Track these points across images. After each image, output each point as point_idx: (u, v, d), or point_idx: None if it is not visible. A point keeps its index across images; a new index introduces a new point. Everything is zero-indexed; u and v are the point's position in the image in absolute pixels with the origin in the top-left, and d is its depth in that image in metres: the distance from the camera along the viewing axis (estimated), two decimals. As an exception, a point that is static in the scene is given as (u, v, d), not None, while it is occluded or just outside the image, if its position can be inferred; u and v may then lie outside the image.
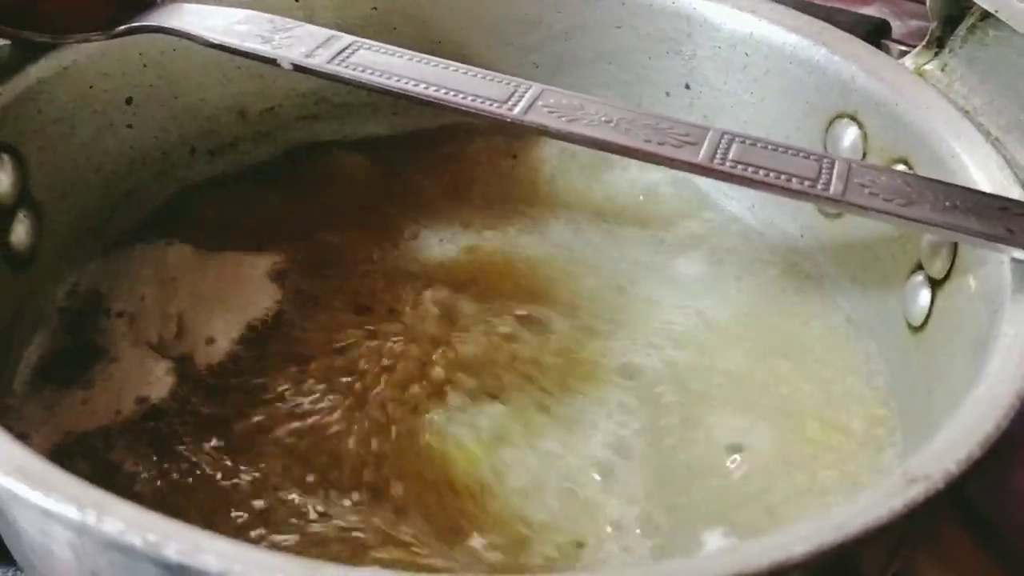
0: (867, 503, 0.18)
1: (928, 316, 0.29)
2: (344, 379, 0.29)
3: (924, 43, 0.33)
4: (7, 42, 0.31)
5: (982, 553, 0.31)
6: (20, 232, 0.30)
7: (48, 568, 0.21)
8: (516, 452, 0.27)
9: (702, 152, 0.27)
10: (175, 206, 0.36)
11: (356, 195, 0.37)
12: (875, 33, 0.41)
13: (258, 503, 0.25)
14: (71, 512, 0.17)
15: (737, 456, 0.28)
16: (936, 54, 0.33)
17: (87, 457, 0.27)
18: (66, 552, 0.20)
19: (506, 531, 0.25)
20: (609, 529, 0.26)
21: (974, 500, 0.31)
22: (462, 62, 0.29)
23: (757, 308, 0.33)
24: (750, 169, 0.26)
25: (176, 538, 0.17)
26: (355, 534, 0.25)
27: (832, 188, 0.26)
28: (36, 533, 0.20)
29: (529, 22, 0.38)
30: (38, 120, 0.31)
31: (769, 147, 0.27)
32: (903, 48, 0.36)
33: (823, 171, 0.26)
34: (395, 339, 0.30)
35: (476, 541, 0.25)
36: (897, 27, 0.44)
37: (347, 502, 0.26)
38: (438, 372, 0.29)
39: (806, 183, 0.26)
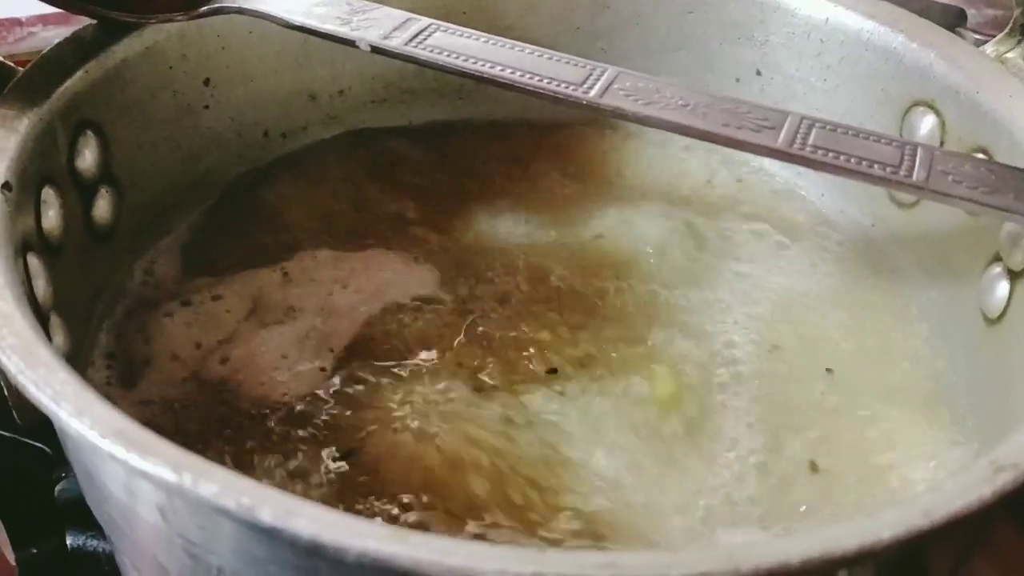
0: (956, 490, 0.18)
1: (1006, 309, 0.29)
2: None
3: (1007, 31, 0.33)
4: (93, 22, 0.31)
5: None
6: (102, 207, 0.31)
7: (135, 531, 0.22)
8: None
9: (781, 137, 0.26)
10: (248, 187, 0.36)
11: (421, 180, 0.37)
12: (950, 21, 0.40)
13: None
14: (167, 474, 0.18)
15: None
16: (1019, 42, 0.32)
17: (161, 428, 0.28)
18: (154, 515, 0.20)
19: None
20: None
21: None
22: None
23: (826, 299, 0.33)
24: (831, 154, 0.26)
25: (269, 502, 0.17)
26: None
27: (915, 175, 0.25)
28: (124, 495, 0.21)
29: (598, 7, 0.38)
30: (120, 99, 0.32)
31: (850, 132, 0.27)
32: (978, 37, 0.36)
33: (905, 157, 0.26)
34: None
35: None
36: (973, 15, 0.43)
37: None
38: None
39: (888, 169, 0.26)
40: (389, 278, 0.32)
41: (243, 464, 0.26)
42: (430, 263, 0.33)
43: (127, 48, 0.32)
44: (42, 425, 0.27)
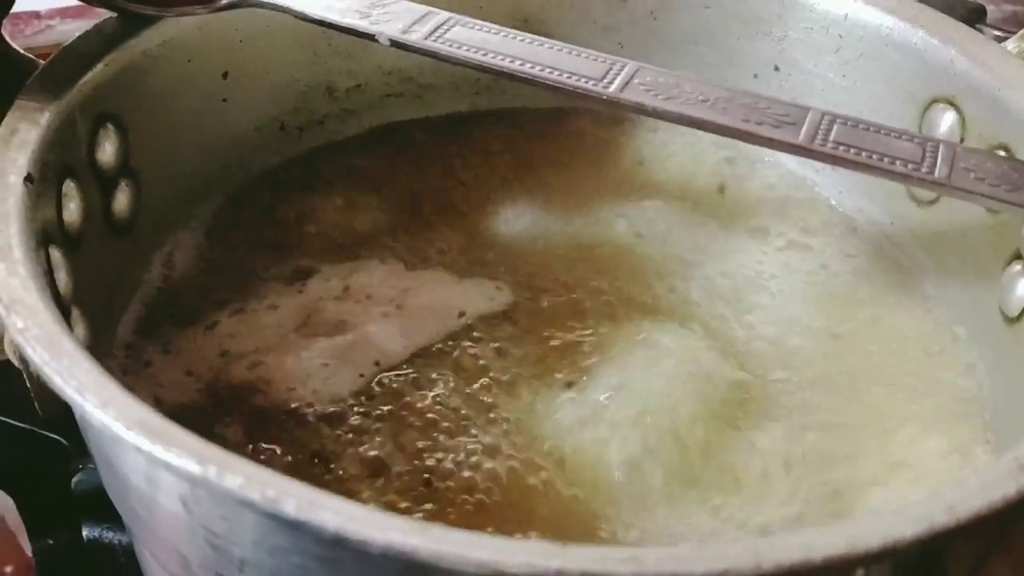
0: (979, 487, 0.18)
1: (1027, 307, 0.28)
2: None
3: (1029, 27, 0.32)
4: (114, 15, 0.31)
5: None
6: (122, 200, 0.31)
7: (157, 522, 0.22)
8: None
9: (803, 133, 0.26)
10: (267, 181, 0.36)
11: (438, 173, 0.37)
12: (970, 17, 0.40)
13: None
14: (192, 466, 0.18)
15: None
16: (1041, 38, 0.32)
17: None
18: (176, 505, 0.20)
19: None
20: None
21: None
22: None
23: (844, 295, 0.33)
24: (852, 151, 0.26)
25: (294, 495, 0.17)
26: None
27: (937, 171, 0.25)
28: (147, 486, 0.21)
29: (615, 1, 0.38)
30: (140, 91, 0.32)
31: (871, 128, 0.27)
32: (998, 33, 0.36)
33: (927, 154, 0.26)
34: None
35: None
36: (992, 12, 0.43)
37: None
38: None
39: (910, 166, 0.26)
40: (409, 286, 0.32)
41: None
42: (466, 272, 0.33)
43: (147, 41, 0.32)
44: (60, 417, 0.28)
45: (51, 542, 0.32)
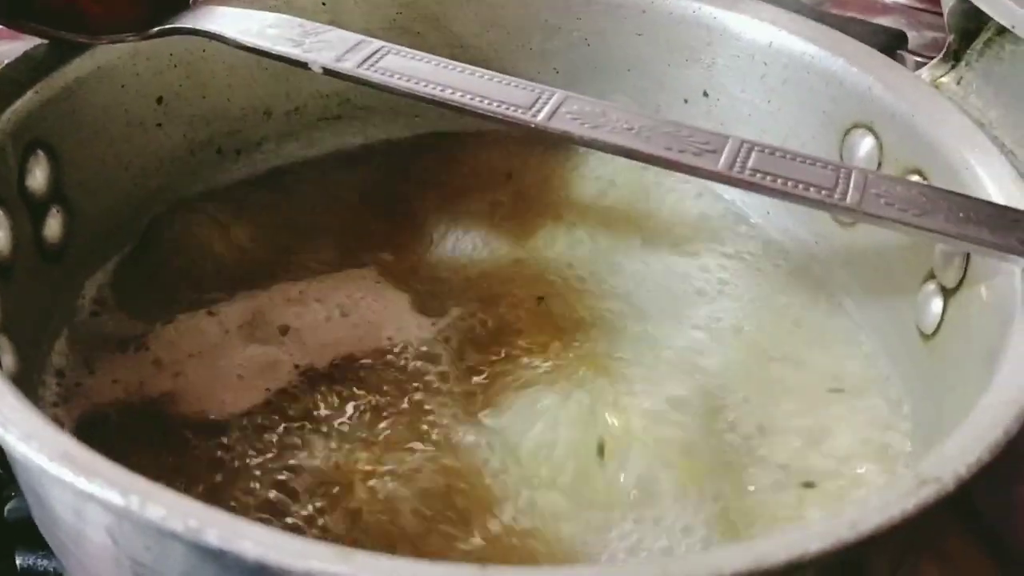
0: (880, 503, 0.19)
1: (940, 325, 0.30)
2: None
3: (941, 56, 0.34)
4: (44, 42, 0.31)
5: (989, 565, 0.31)
6: (53, 226, 0.31)
7: (84, 553, 0.22)
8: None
9: (722, 160, 0.27)
10: (201, 205, 0.36)
11: (377, 197, 0.38)
12: (892, 43, 0.41)
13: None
14: (115, 497, 0.18)
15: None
16: (952, 67, 0.34)
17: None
18: (102, 536, 0.20)
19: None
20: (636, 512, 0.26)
21: (982, 512, 0.31)
22: (484, 67, 0.30)
23: (769, 314, 0.34)
24: (768, 178, 0.27)
25: (216, 524, 0.17)
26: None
27: (849, 198, 0.26)
28: (73, 518, 0.21)
29: (550, 28, 0.39)
30: (72, 118, 0.32)
31: (787, 156, 0.28)
32: (919, 59, 0.37)
33: (840, 181, 0.27)
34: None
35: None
36: (913, 38, 0.45)
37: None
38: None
39: (823, 192, 0.27)
40: (347, 303, 0.32)
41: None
42: (398, 289, 0.33)
43: (78, 68, 0.32)
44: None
45: (-17, 571, 0.32)
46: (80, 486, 0.18)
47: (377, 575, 0.17)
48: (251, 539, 0.17)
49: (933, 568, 0.31)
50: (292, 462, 0.27)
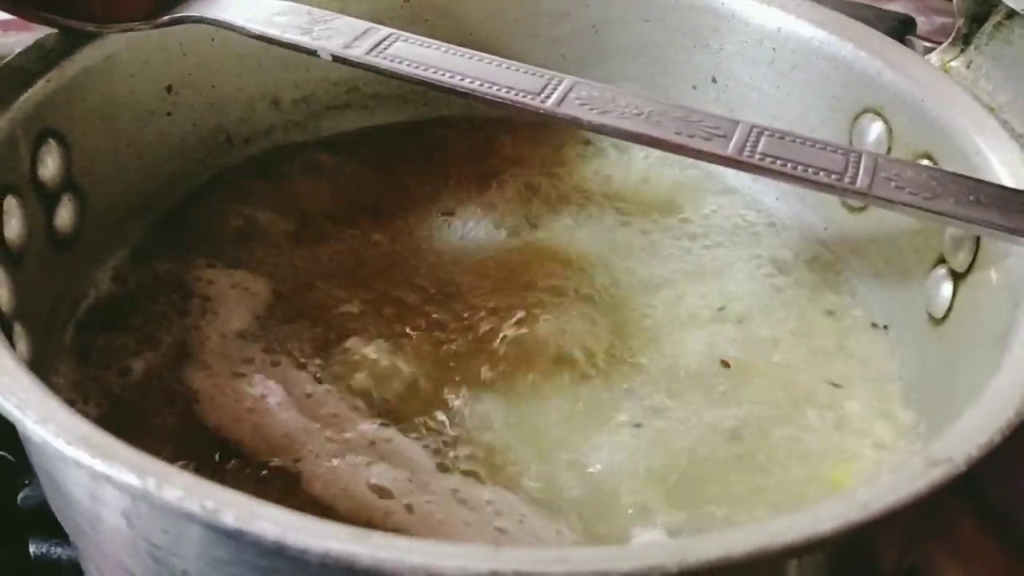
0: (892, 484, 0.19)
1: (950, 309, 0.30)
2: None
3: (950, 40, 0.34)
4: (54, 31, 0.31)
5: (998, 547, 0.31)
6: (64, 215, 0.31)
7: (100, 536, 0.22)
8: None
9: (731, 145, 0.27)
10: (212, 192, 0.37)
11: (384, 184, 0.38)
12: (900, 29, 0.41)
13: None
14: (132, 479, 0.18)
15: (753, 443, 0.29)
16: (962, 51, 0.33)
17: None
18: (119, 519, 0.21)
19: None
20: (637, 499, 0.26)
21: (990, 496, 0.31)
22: (492, 55, 0.30)
23: (779, 299, 0.34)
24: (778, 162, 0.27)
25: (233, 505, 0.17)
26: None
27: (859, 182, 0.26)
28: (89, 501, 0.21)
29: (558, 16, 0.39)
30: (83, 107, 0.32)
31: (797, 140, 0.28)
32: (928, 44, 0.37)
33: (850, 165, 0.27)
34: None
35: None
36: (922, 23, 0.44)
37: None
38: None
39: (833, 176, 0.27)
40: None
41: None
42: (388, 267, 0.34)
43: (88, 56, 0.32)
44: (4, 433, 0.28)
45: (-4, 558, 0.32)
46: (98, 468, 0.18)
47: (393, 554, 0.17)
48: (268, 520, 0.17)
49: (945, 556, 0.31)
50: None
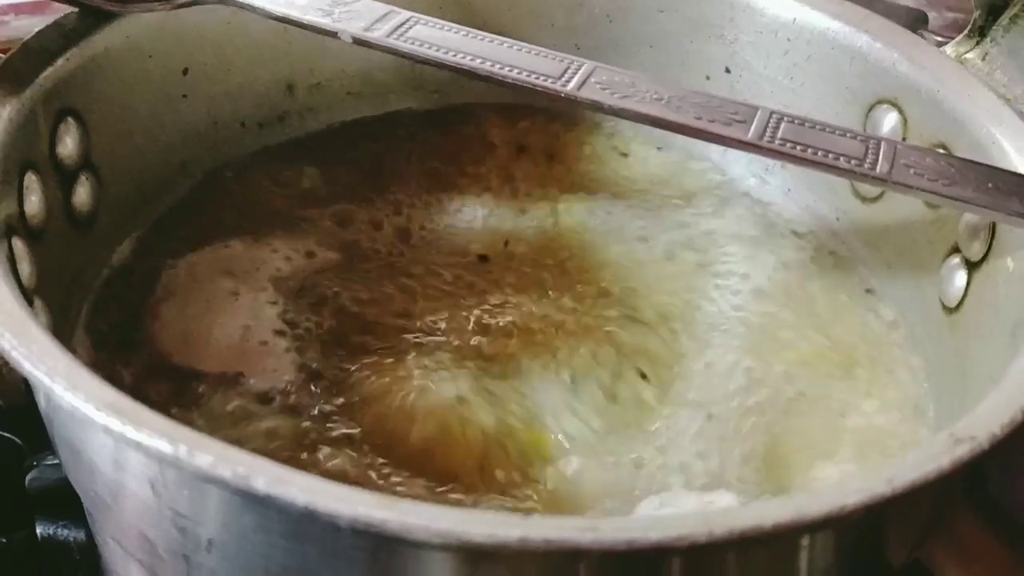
0: (917, 460, 0.19)
1: (964, 298, 0.30)
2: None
3: (966, 32, 0.34)
4: (74, 10, 0.31)
5: (999, 546, 0.31)
6: (82, 194, 0.31)
7: (121, 507, 0.22)
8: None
9: (751, 130, 0.27)
10: (225, 177, 0.37)
11: (397, 170, 0.38)
12: (913, 24, 0.41)
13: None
14: (163, 446, 0.18)
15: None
16: (978, 43, 0.34)
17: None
18: (143, 488, 0.21)
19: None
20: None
21: (992, 494, 0.31)
22: (510, 39, 0.30)
23: (793, 291, 0.34)
24: (798, 147, 0.27)
25: (264, 472, 0.18)
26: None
27: (879, 168, 0.27)
28: (113, 470, 0.21)
29: (572, 4, 0.39)
30: (101, 87, 0.32)
31: (816, 127, 0.28)
32: (939, 39, 0.37)
33: (869, 151, 0.27)
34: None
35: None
36: (934, 18, 0.44)
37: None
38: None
39: (853, 162, 0.27)
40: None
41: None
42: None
43: (108, 37, 0.32)
44: (12, 416, 0.28)
45: (4, 541, 0.32)
46: (129, 435, 0.18)
47: (422, 520, 0.17)
48: (298, 486, 0.17)
49: (942, 550, 0.31)
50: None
